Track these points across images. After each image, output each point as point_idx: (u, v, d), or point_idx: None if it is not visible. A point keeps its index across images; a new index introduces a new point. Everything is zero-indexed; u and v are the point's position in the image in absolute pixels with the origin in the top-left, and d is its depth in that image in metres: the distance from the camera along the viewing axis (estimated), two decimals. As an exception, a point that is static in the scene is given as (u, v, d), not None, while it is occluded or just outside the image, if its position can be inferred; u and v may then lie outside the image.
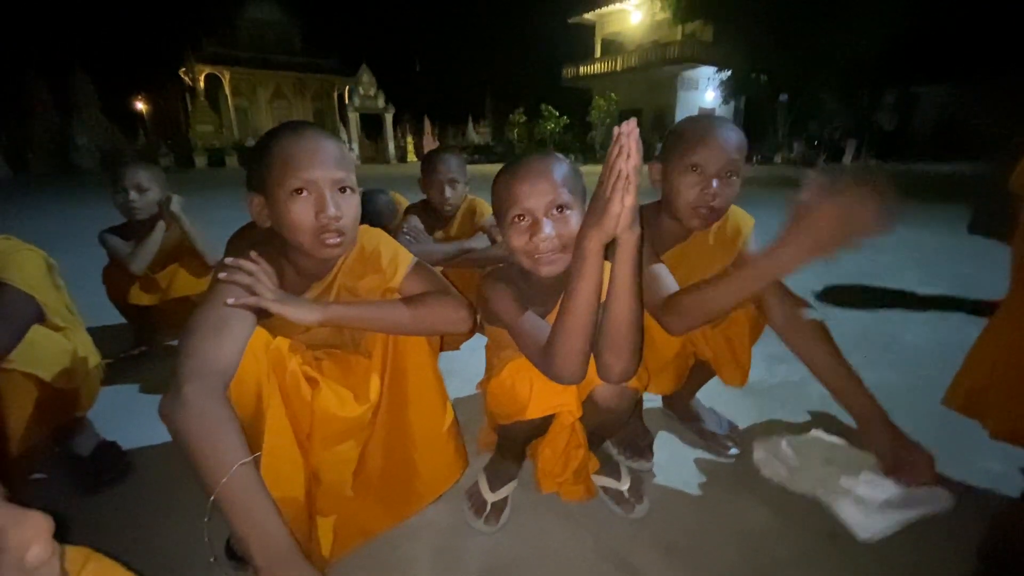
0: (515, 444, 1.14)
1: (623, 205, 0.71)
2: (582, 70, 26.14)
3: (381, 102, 26.96)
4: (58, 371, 1.09)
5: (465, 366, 1.84)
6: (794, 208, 0.80)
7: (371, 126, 28.10)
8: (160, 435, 1.36)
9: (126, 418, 1.50)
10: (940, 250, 3.83)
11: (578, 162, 19.42)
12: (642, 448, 1.31)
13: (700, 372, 1.37)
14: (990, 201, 2.09)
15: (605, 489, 1.16)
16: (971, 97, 17.11)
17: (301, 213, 0.83)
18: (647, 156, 1.15)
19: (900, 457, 0.98)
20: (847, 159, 17.11)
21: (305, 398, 0.87)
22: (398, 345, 0.99)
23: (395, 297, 0.99)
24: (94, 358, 1.25)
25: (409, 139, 29.04)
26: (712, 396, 1.51)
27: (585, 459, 1.09)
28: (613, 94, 22.82)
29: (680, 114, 21.12)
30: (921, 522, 1.00)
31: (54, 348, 1.11)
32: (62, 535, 0.42)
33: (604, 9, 25.49)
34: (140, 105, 33.92)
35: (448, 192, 1.86)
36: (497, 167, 0.98)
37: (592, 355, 0.90)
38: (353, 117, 26.44)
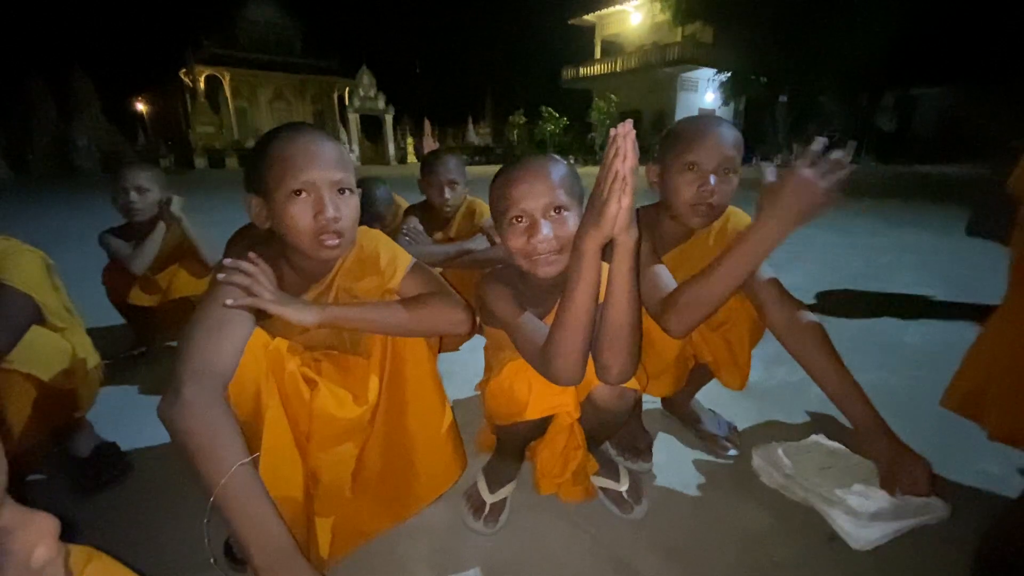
0: (514, 445, 1.14)
1: (620, 206, 0.72)
2: (582, 71, 26.16)
3: (381, 103, 27.00)
4: (57, 371, 1.09)
5: (464, 367, 1.84)
6: (764, 190, 0.89)
7: (371, 127, 28.13)
8: (159, 436, 1.36)
9: (125, 419, 1.50)
10: (939, 252, 3.83)
11: (578, 163, 19.46)
12: (641, 449, 1.31)
13: (700, 374, 1.37)
14: (989, 203, 2.09)
15: (604, 490, 1.16)
16: (970, 99, 17.14)
17: (300, 214, 0.84)
18: (647, 158, 1.16)
19: (898, 466, 0.98)
20: (847, 161, 17.12)
21: (304, 399, 0.87)
22: (397, 346, 0.99)
23: (394, 298, 0.99)
24: (93, 359, 1.25)
25: (409, 140, 29.06)
26: (711, 397, 1.51)
27: (584, 460, 1.09)
28: (613, 95, 22.84)
29: (680, 115, 21.11)
30: (918, 526, 1.00)
31: (53, 348, 1.11)
32: (62, 536, 0.42)
33: (604, 11, 25.53)
34: (140, 106, 33.99)
35: (447, 193, 1.87)
36: (497, 168, 0.98)
37: (591, 356, 0.90)
38: (353, 118, 26.46)
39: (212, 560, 0.83)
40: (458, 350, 1.97)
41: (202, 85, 25.37)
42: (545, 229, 0.89)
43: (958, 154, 15.25)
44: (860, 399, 1.02)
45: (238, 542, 0.75)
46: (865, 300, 2.71)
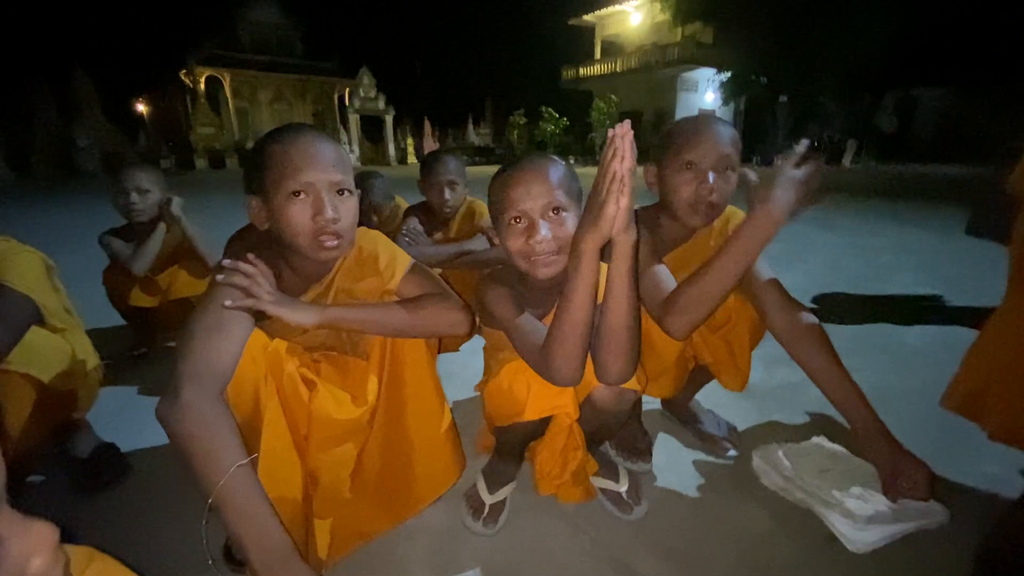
0: (513, 446, 1.14)
1: (618, 207, 0.72)
2: (582, 72, 26.15)
3: (381, 104, 26.98)
4: (56, 372, 1.09)
5: (464, 368, 1.84)
6: (752, 188, 0.95)
7: (371, 128, 28.10)
8: (159, 437, 1.35)
9: (125, 419, 1.50)
10: (939, 252, 3.83)
11: (578, 164, 19.45)
12: (641, 450, 1.31)
13: (700, 375, 1.37)
14: (989, 203, 2.09)
15: (604, 491, 1.16)
16: (970, 100, 17.15)
17: (299, 215, 0.84)
18: (646, 158, 1.16)
19: (897, 470, 0.98)
20: (847, 161, 17.13)
21: (303, 400, 0.87)
22: (396, 347, 0.99)
23: (393, 299, 0.99)
24: (93, 359, 1.25)
25: (409, 141, 29.03)
26: (711, 398, 1.51)
27: (583, 461, 1.09)
28: (613, 96, 22.83)
29: (680, 115, 20.93)
30: (916, 530, 1.00)
31: (52, 349, 1.11)
32: (61, 537, 0.42)
33: (604, 11, 25.51)
34: (141, 107, 33.99)
35: (447, 194, 1.87)
36: (497, 169, 0.98)
37: (590, 357, 0.90)
38: (353, 119, 26.45)
39: (210, 561, 0.82)
40: (458, 351, 1.97)
41: (202, 86, 25.35)
42: (543, 230, 0.89)
43: (958, 154, 15.25)
44: (860, 403, 1.01)
45: (236, 543, 0.75)
46: (865, 300, 2.71)
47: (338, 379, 0.96)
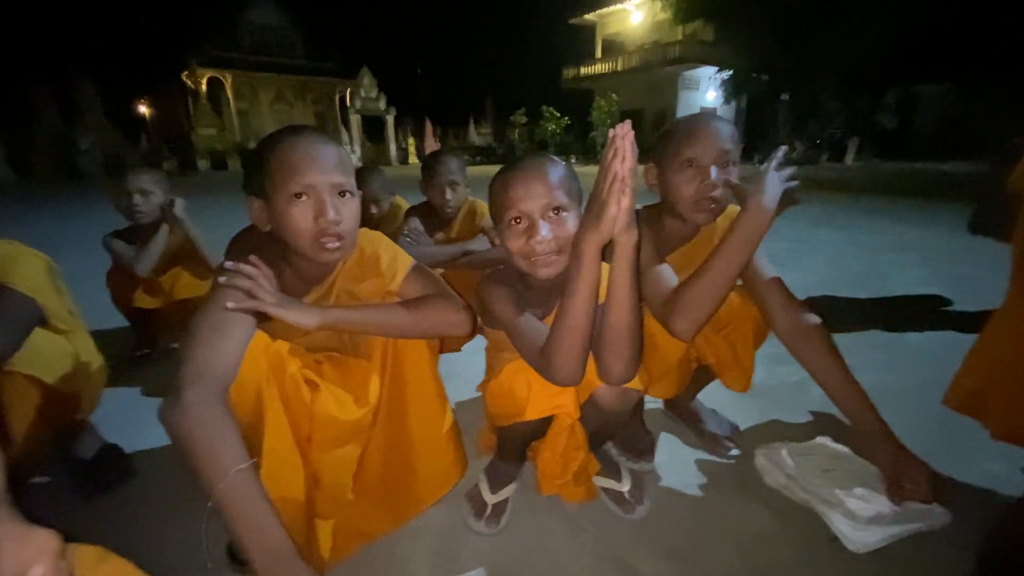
0: (515, 446, 1.14)
1: (619, 207, 0.72)
2: (583, 71, 26.09)
3: (382, 104, 26.98)
4: (60, 374, 1.09)
5: (466, 368, 1.84)
6: (740, 188, 1.00)
7: (373, 128, 28.09)
8: (163, 438, 1.35)
9: (129, 421, 1.50)
10: (940, 249, 3.82)
11: (579, 163, 19.43)
12: (643, 449, 1.31)
13: (702, 375, 1.37)
14: (991, 201, 2.08)
15: (606, 490, 1.17)
16: (972, 96, 17.09)
17: (301, 217, 0.84)
18: (648, 157, 1.16)
19: (900, 471, 0.98)
20: (849, 158, 17.09)
21: (305, 401, 0.88)
22: (398, 348, 0.99)
23: (394, 300, 0.99)
24: (96, 361, 1.26)
25: (410, 141, 29.00)
26: (713, 397, 1.51)
27: (586, 461, 1.09)
28: (614, 95, 22.80)
29: (681, 114, 20.70)
30: (917, 531, 1.00)
31: (56, 351, 1.11)
32: (66, 538, 0.42)
33: (604, 9, 25.46)
34: (143, 109, 34.01)
35: (448, 194, 1.87)
36: (498, 168, 0.98)
37: (592, 357, 0.90)
38: (354, 119, 26.44)
39: (208, 564, 0.83)
40: (459, 351, 1.97)
41: (204, 87, 25.38)
42: (544, 230, 0.89)
43: (959, 151, 15.21)
44: (863, 404, 1.01)
45: (238, 544, 0.76)
46: (867, 297, 2.70)
47: (340, 380, 0.96)
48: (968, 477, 1.21)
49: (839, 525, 1.03)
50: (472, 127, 32.28)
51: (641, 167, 0.92)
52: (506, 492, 1.15)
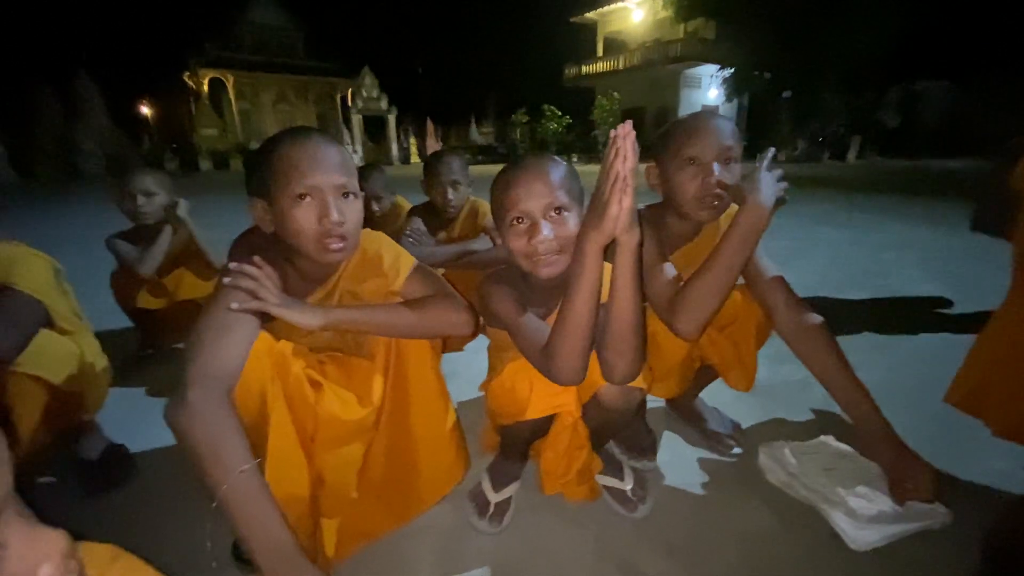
0: (517, 445, 1.15)
1: (621, 207, 0.72)
2: (584, 69, 26.07)
3: (384, 104, 27.03)
4: (66, 374, 1.10)
5: (468, 368, 1.84)
6: (735, 187, 1.02)
7: (374, 128, 28.15)
8: (168, 438, 1.36)
9: (134, 421, 1.51)
10: (942, 247, 3.81)
11: (581, 162, 19.40)
12: (645, 448, 1.32)
13: (705, 373, 1.37)
14: (992, 198, 2.08)
15: (608, 489, 1.17)
16: (974, 94, 17.04)
17: (304, 218, 0.84)
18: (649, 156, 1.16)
19: (903, 472, 0.98)
20: (851, 156, 17.06)
21: (309, 401, 0.88)
22: (400, 348, 1.00)
23: (397, 300, 0.99)
24: (101, 361, 1.27)
25: (412, 140, 29.05)
26: (715, 396, 1.51)
27: (588, 460, 1.09)
28: (616, 93, 22.78)
29: (683, 112, 20.73)
30: (918, 530, 1.00)
31: (61, 351, 1.12)
32: (76, 537, 0.42)
33: (606, 8, 25.44)
34: (145, 110, 34.10)
35: (450, 194, 1.87)
36: (500, 167, 0.98)
37: (596, 356, 0.90)
38: (356, 119, 26.50)
39: (213, 564, 0.83)
40: (462, 350, 1.98)
41: (206, 88, 25.46)
42: (545, 230, 0.89)
43: (962, 148, 15.17)
44: (866, 403, 1.02)
45: (243, 543, 0.76)
46: (868, 295, 2.69)
47: (344, 380, 0.97)
48: (970, 475, 1.21)
49: (841, 523, 1.03)
50: (473, 126, 32.31)
51: (642, 167, 0.92)
52: (509, 491, 1.15)
